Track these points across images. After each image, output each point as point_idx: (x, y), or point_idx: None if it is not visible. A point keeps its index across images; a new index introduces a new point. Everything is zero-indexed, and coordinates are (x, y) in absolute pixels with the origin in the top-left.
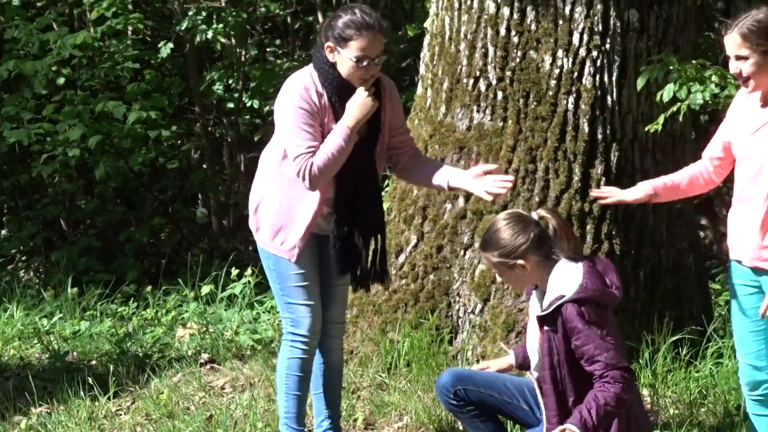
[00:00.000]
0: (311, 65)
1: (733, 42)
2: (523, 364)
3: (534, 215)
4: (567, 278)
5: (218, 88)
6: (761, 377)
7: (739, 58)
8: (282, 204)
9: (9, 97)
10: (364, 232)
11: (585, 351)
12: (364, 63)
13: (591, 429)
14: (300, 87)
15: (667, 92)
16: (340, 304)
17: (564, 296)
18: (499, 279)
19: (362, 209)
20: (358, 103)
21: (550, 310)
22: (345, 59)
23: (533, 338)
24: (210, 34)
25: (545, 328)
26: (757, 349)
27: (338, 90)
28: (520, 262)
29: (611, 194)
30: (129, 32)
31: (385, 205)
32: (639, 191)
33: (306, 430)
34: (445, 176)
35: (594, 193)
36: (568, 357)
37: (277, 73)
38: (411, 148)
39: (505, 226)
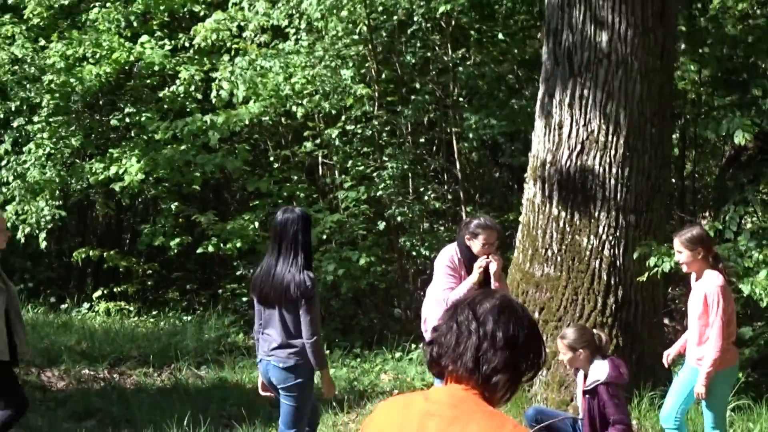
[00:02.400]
0: (455, 243)
1: (676, 243)
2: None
3: (594, 330)
4: (601, 369)
5: (407, 244)
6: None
7: (678, 252)
8: (436, 317)
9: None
10: None
11: (607, 410)
12: (485, 247)
13: None
14: (449, 254)
15: (652, 261)
16: None
17: (599, 380)
18: (560, 357)
19: None
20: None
21: (591, 387)
22: (476, 245)
23: (579, 397)
24: (400, 218)
25: (587, 396)
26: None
27: (469, 259)
28: (581, 351)
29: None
30: None
31: None
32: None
33: None
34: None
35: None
36: (597, 412)
37: (441, 238)
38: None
39: (575, 330)
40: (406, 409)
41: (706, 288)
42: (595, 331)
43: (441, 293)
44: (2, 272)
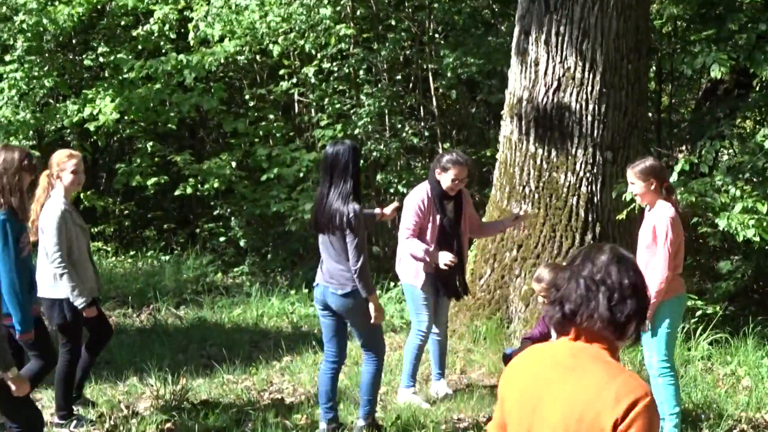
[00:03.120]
0: (427, 181)
1: (629, 174)
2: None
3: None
4: None
5: (384, 181)
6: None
7: (632, 183)
8: (406, 256)
9: None
10: (457, 271)
11: None
12: (455, 182)
13: None
14: (420, 195)
15: (628, 196)
16: (444, 313)
17: None
18: (540, 299)
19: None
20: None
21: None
22: (446, 179)
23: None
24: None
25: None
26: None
27: (439, 195)
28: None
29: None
30: None
31: (473, 253)
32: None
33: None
34: (497, 225)
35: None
36: None
37: (417, 175)
38: (478, 221)
39: (549, 270)
40: (537, 360)
41: (656, 218)
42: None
43: (402, 231)
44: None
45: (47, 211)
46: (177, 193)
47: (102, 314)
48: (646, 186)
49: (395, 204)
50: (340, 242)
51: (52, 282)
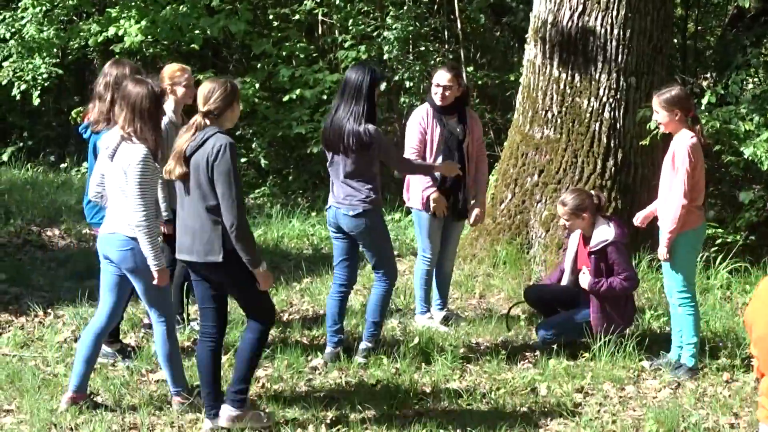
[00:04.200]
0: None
1: (654, 103)
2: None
3: (592, 192)
4: (607, 230)
5: (406, 104)
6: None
7: (656, 112)
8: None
9: None
10: (457, 188)
11: (617, 267)
12: (438, 89)
13: (596, 288)
14: (420, 113)
15: (653, 124)
16: (453, 241)
17: (608, 239)
18: (562, 222)
19: (454, 178)
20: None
21: (600, 247)
22: (433, 90)
23: (570, 258)
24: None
25: (593, 256)
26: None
27: (438, 109)
28: (584, 214)
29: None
30: None
31: (494, 177)
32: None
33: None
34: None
35: (636, 222)
36: (606, 270)
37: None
38: (480, 156)
39: (575, 195)
40: None
41: (676, 145)
42: (593, 192)
43: (406, 152)
44: None
45: None
46: None
47: None
48: (670, 115)
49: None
50: (354, 163)
51: None
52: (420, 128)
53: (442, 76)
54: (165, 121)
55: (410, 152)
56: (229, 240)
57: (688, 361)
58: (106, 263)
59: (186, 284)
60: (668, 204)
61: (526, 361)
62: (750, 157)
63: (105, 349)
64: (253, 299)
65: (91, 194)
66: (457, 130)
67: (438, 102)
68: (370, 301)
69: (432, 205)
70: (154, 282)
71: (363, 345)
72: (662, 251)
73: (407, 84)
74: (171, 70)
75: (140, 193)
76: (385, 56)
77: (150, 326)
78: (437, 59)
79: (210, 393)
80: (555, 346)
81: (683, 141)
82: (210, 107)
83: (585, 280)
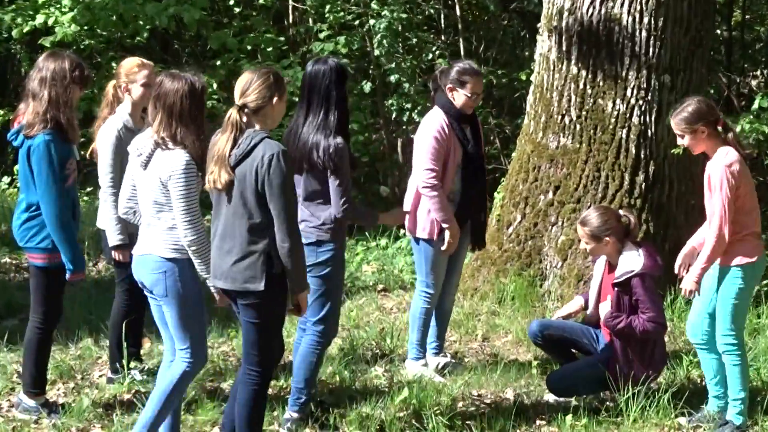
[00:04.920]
0: (437, 106)
1: (673, 125)
2: (587, 304)
3: (620, 211)
4: (634, 258)
5: (395, 108)
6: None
7: (680, 136)
8: (423, 210)
9: None
10: (480, 211)
11: (641, 305)
12: (473, 98)
13: (612, 324)
14: (436, 123)
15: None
16: (458, 272)
17: (633, 270)
18: (582, 246)
19: (477, 197)
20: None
21: (623, 279)
22: (461, 96)
23: (595, 288)
24: (394, 78)
25: (617, 288)
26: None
27: (457, 117)
28: (607, 239)
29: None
30: None
31: (499, 195)
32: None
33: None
34: None
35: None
36: (629, 307)
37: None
38: None
39: (598, 214)
40: None
41: (710, 168)
42: (621, 212)
43: (425, 181)
44: None
45: (105, 127)
46: None
47: None
48: (695, 136)
49: (402, 210)
50: (319, 183)
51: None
52: (439, 143)
53: (479, 83)
54: (118, 125)
55: (429, 175)
56: (272, 265)
57: (735, 419)
58: (149, 295)
59: (126, 322)
60: (706, 234)
61: (539, 417)
62: None
63: (27, 402)
64: (269, 339)
65: (120, 211)
66: (473, 138)
67: (466, 111)
68: (296, 359)
69: (447, 240)
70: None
71: (287, 415)
72: (687, 283)
73: (393, 79)
74: (129, 65)
75: (186, 207)
76: (377, 50)
77: (112, 380)
78: (435, 53)
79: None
80: (573, 401)
81: (718, 162)
82: (246, 100)
83: (604, 310)
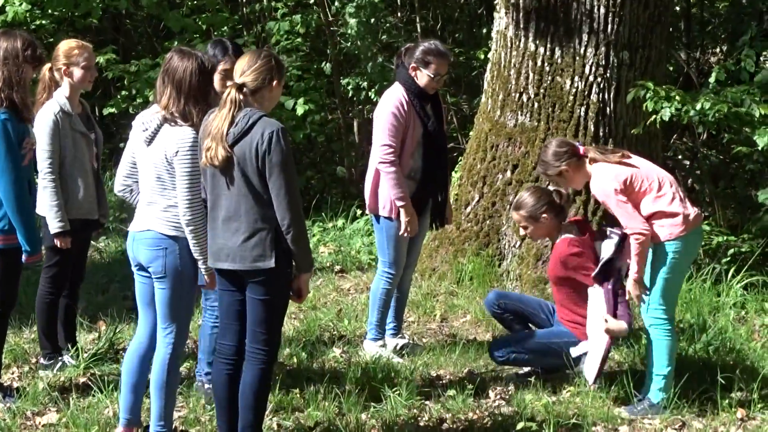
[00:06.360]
0: (397, 83)
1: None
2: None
3: (550, 187)
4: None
5: (351, 87)
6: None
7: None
8: (384, 188)
9: None
10: (440, 190)
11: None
12: (436, 79)
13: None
14: (395, 100)
15: (650, 105)
16: (417, 251)
17: (606, 257)
18: (522, 233)
19: (438, 176)
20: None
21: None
22: (424, 76)
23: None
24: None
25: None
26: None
27: (418, 95)
28: (544, 216)
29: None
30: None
31: (457, 174)
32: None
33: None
34: None
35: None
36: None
37: (388, 76)
38: None
39: (531, 194)
40: None
41: (593, 190)
42: (551, 188)
43: (382, 157)
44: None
45: (42, 111)
46: (105, 111)
47: (83, 249)
48: (569, 168)
49: None
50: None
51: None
52: (398, 120)
53: (443, 64)
54: (55, 109)
55: (386, 151)
56: (280, 241)
57: (654, 395)
58: (138, 272)
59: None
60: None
61: (498, 396)
62: (765, 148)
63: None
64: (277, 318)
65: (117, 188)
66: (434, 117)
67: (428, 91)
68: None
69: (404, 220)
70: (205, 285)
71: None
72: (632, 290)
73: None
74: (67, 46)
75: (189, 185)
76: (349, 31)
77: (46, 367)
78: (391, 32)
79: (225, 423)
80: (532, 379)
81: (596, 182)
82: (245, 80)
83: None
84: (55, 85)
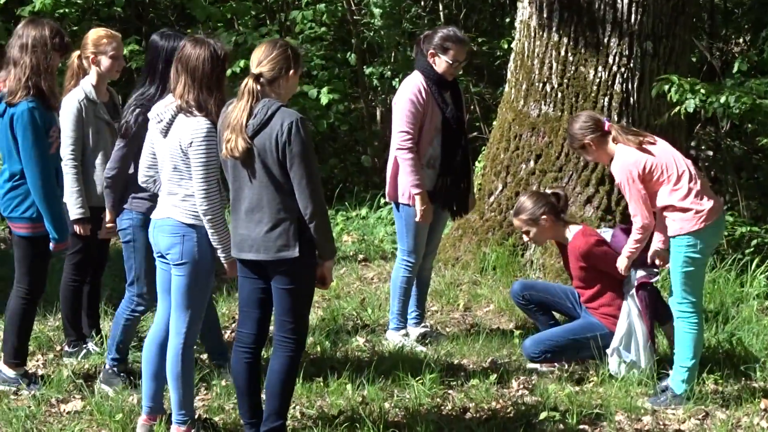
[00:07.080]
0: (417, 71)
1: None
2: None
3: (547, 190)
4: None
5: (375, 76)
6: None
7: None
8: (403, 175)
9: None
10: (463, 179)
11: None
12: (454, 65)
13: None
14: (413, 87)
15: (674, 96)
16: (437, 238)
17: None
18: (525, 239)
19: (458, 164)
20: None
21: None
22: (442, 62)
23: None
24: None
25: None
26: None
27: (437, 82)
28: (544, 218)
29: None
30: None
31: (480, 164)
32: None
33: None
34: None
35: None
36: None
37: (411, 65)
38: None
39: (531, 199)
40: None
41: (613, 170)
42: (548, 190)
43: (400, 143)
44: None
45: (68, 97)
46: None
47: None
48: (592, 143)
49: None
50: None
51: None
52: (416, 108)
53: (461, 51)
54: (80, 96)
55: (403, 137)
56: (304, 230)
57: (677, 386)
58: (160, 260)
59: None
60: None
61: (521, 386)
62: None
63: (6, 373)
64: (304, 306)
65: (141, 179)
66: (454, 104)
67: (447, 77)
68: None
69: (419, 208)
70: (224, 274)
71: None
72: (620, 263)
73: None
74: (96, 35)
75: (205, 175)
76: (374, 21)
77: (70, 354)
78: (415, 22)
79: (247, 411)
80: (556, 369)
81: (617, 162)
82: (262, 69)
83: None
84: (83, 73)
